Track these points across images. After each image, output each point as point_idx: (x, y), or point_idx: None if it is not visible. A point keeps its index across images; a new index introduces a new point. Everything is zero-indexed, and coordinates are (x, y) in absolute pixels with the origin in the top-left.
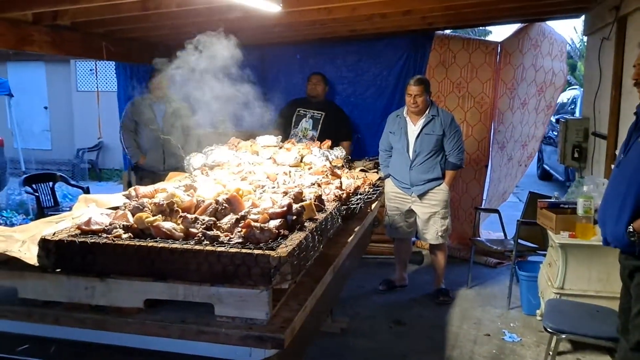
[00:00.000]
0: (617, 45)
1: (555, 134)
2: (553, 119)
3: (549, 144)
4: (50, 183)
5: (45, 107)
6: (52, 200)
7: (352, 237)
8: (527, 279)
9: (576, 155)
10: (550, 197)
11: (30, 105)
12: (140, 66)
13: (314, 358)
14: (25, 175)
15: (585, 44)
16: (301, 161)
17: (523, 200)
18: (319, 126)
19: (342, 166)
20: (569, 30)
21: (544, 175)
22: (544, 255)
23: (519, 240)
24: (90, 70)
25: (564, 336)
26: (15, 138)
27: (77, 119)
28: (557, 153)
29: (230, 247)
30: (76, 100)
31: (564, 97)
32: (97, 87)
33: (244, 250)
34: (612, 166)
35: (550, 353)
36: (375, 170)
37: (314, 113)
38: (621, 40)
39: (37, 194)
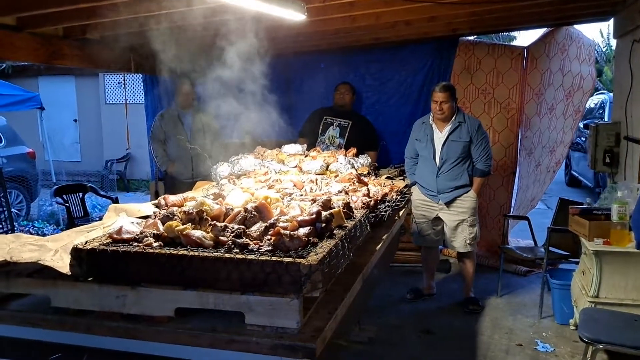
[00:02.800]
0: None
1: (584, 139)
2: (581, 124)
3: (577, 150)
4: (80, 194)
5: (75, 120)
6: (82, 210)
7: (380, 244)
8: (559, 288)
9: (608, 160)
10: (581, 204)
11: (60, 119)
12: (167, 78)
13: None
14: (56, 186)
15: (615, 47)
16: (327, 169)
17: (551, 207)
18: (346, 134)
19: (369, 174)
20: (595, 33)
21: (572, 182)
22: (576, 263)
23: (550, 248)
24: (118, 83)
25: (601, 346)
26: (47, 150)
27: (105, 131)
28: (586, 159)
29: (260, 255)
30: (105, 113)
31: (592, 102)
32: (125, 99)
33: (274, 258)
34: None
35: None
36: (402, 177)
37: (341, 121)
38: None
39: (67, 205)
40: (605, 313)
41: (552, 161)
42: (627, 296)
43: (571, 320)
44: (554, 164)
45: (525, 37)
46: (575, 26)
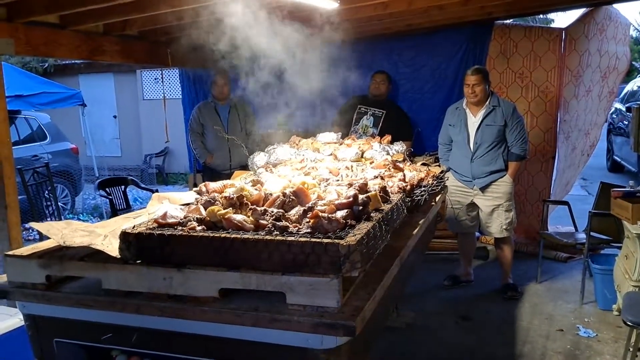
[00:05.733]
0: None
1: (626, 123)
2: (623, 107)
3: (620, 135)
4: (122, 187)
5: (115, 116)
6: (124, 202)
7: (417, 229)
8: (601, 273)
9: None
10: (623, 187)
11: (100, 115)
12: (203, 71)
13: (381, 352)
14: (99, 180)
15: None
16: (362, 156)
17: (592, 193)
18: (380, 124)
19: (404, 160)
20: (633, 15)
21: (615, 167)
22: (618, 247)
23: (591, 233)
24: (155, 79)
25: None
26: (89, 146)
27: (143, 127)
28: (629, 143)
29: (300, 237)
30: (142, 109)
31: (635, 84)
32: (163, 94)
33: (313, 240)
34: None
35: (631, 349)
36: (437, 164)
37: (375, 111)
38: None
39: (110, 197)
40: None
41: (586, 144)
42: None
43: (614, 306)
44: (588, 147)
45: (561, 21)
46: (615, 5)
